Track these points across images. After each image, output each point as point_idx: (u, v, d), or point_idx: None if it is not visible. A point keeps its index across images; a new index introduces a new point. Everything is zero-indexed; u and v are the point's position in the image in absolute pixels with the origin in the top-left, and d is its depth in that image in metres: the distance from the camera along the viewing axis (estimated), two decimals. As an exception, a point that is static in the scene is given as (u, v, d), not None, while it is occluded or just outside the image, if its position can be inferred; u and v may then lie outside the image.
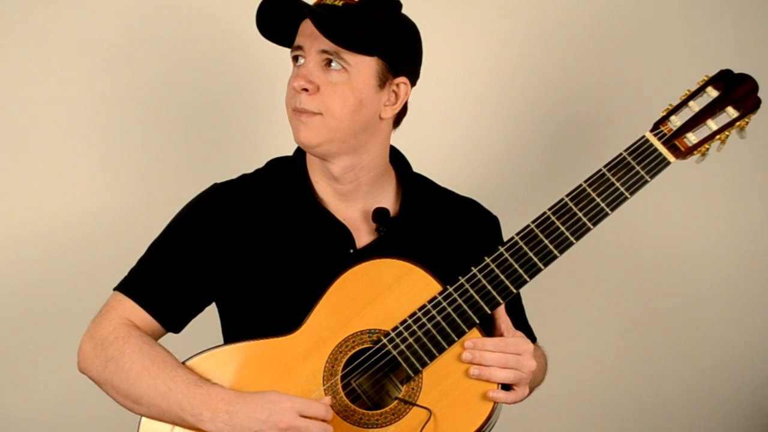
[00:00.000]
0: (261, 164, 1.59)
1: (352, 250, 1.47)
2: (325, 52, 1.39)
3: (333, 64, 1.39)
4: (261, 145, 2.07)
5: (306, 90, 1.39)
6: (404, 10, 1.47)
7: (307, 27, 1.41)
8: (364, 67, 1.40)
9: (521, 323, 1.56)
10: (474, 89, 2.17)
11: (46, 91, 2.04)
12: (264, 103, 2.10)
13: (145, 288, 1.45)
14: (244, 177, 1.56)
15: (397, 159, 1.56)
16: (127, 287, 1.46)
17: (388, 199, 1.53)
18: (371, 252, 1.46)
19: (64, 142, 2.06)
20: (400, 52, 1.44)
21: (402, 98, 1.47)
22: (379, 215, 1.48)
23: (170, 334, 1.48)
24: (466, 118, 2.19)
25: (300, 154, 1.54)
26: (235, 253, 1.47)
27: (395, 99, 1.46)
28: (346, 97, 1.40)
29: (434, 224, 1.53)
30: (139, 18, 2.06)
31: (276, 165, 1.57)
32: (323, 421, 1.30)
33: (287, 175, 1.53)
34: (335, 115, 1.40)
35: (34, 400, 2.10)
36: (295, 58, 1.44)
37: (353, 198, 1.50)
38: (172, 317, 1.47)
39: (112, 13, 2.05)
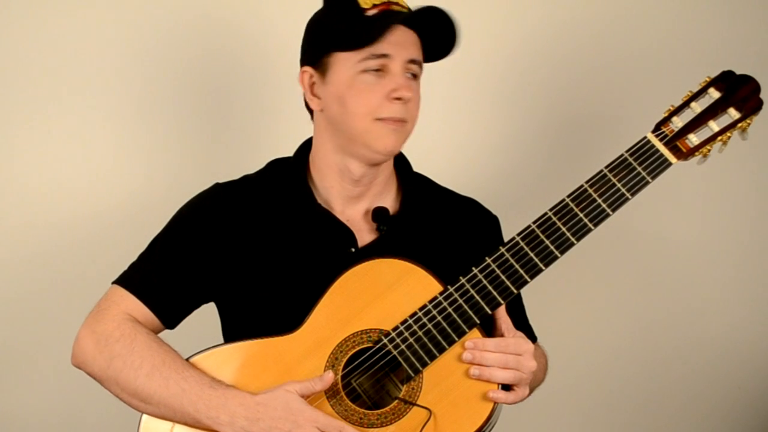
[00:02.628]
0: (264, 163, 1.59)
1: (353, 249, 1.47)
2: (414, 62, 1.42)
3: (416, 71, 1.43)
4: (263, 144, 2.07)
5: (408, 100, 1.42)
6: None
7: (394, 35, 1.40)
8: (421, 72, 1.46)
9: (522, 323, 1.56)
10: (475, 90, 2.17)
11: (48, 91, 2.04)
12: (268, 103, 2.10)
13: (146, 283, 1.45)
14: (246, 178, 1.56)
15: (397, 159, 1.57)
16: (128, 282, 1.46)
17: (389, 198, 1.54)
18: (372, 251, 1.46)
19: (65, 140, 2.06)
20: None
21: None
22: (379, 214, 1.49)
23: (169, 332, 1.48)
24: (467, 119, 2.19)
25: (301, 155, 1.55)
26: (236, 253, 1.47)
27: None
28: (419, 104, 1.46)
29: (435, 223, 1.53)
30: (142, 19, 2.05)
31: (277, 166, 1.57)
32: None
33: (287, 177, 1.53)
34: (414, 123, 1.46)
35: (32, 399, 2.09)
36: (374, 65, 1.40)
37: (362, 198, 1.51)
38: (171, 314, 1.47)
39: (115, 14, 2.04)
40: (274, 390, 1.32)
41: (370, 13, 1.38)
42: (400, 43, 1.40)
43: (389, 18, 1.38)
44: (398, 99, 1.39)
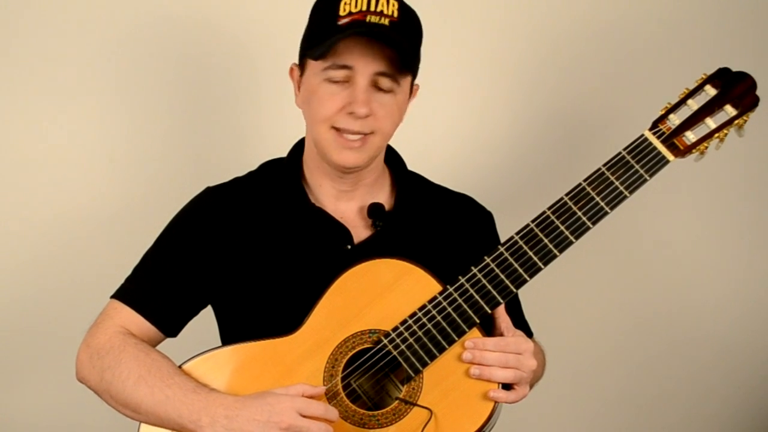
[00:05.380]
0: (254, 160, 1.58)
1: (349, 246, 1.47)
2: (383, 74, 1.37)
3: (386, 85, 1.37)
4: (253, 142, 2.08)
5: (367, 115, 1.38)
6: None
7: (358, 47, 1.35)
8: (406, 83, 1.42)
9: (518, 320, 1.56)
10: (473, 89, 2.17)
11: (44, 94, 2.03)
12: (259, 102, 2.10)
13: (141, 294, 1.46)
14: (236, 180, 1.56)
15: (392, 157, 1.57)
16: (123, 294, 1.47)
17: (383, 194, 1.54)
18: (369, 247, 1.46)
19: (59, 146, 2.05)
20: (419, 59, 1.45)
21: (412, 99, 1.49)
22: (374, 210, 1.49)
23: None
24: (465, 118, 2.19)
25: (294, 154, 1.54)
26: (231, 255, 1.47)
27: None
28: (395, 116, 1.42)
29: (430, 219, 1.54)
30: (135, 20, 2.05)
31: (269, 167, 1.57)
32: (325, 420, 1.29)
33: (280, 177, 1.53)
34: (385, 135, 1.42)
35: (34, 405, 2.09)
36: (337, 75, 1.38)
37: (354, 195, 1.51)
38: (170, 322, 1.47)
39: (108, 15, 2.04)
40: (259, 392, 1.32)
41: (342, 21, 1.34)
42: (367, 55, 1.35)
43: (345, 31, 1.33)
44: (351, 113, 1.37)
